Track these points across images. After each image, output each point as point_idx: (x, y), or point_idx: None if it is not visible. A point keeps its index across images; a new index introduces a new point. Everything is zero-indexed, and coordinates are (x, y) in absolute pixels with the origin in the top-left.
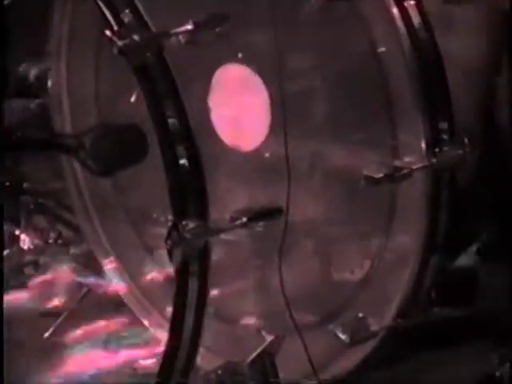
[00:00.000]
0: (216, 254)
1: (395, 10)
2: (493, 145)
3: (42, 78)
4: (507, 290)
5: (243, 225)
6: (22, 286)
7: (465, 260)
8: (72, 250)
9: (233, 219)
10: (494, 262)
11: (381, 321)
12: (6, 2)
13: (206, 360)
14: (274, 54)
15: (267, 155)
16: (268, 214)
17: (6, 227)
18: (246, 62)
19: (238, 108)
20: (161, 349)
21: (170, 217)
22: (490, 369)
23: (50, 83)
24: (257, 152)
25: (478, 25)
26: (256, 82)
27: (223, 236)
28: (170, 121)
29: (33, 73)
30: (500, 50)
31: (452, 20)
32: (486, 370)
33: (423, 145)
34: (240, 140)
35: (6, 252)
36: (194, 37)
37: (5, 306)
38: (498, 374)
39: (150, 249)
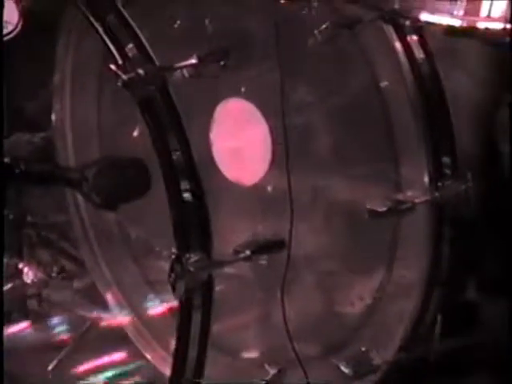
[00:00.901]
0: (219, 287)
1: (398, 45)
2: (495, 179)
3: (45, 112)
4: (508, 323)
5: (246, 258)
6: (25, 319)
7: (467, 293)
8: (75, 284)
9: (236, 252)
10: (495, 296)
11: (384, 354)
12: (9, 37)
13: None
14: (276, 87)
15: (269, 189)
16: (271, 247)
17: (9, 260)
18: (248, 96)
19: (239, 142)
20: (164, 382)
21: (174, 250)
22: None
23: (53, 117)
24: (258, 186)
25: (480, 58)
26: (257, 116)
27: (226, 269)
28: (174, 155)
29: (37, 106)
30: (502, 84)
31: (455, 54)
32: None
33: (426, 179)
34: (241, 174)
35: (9, 285)
36: (198, 70)
37: (8, 338)
38: None
39: (153, 282)
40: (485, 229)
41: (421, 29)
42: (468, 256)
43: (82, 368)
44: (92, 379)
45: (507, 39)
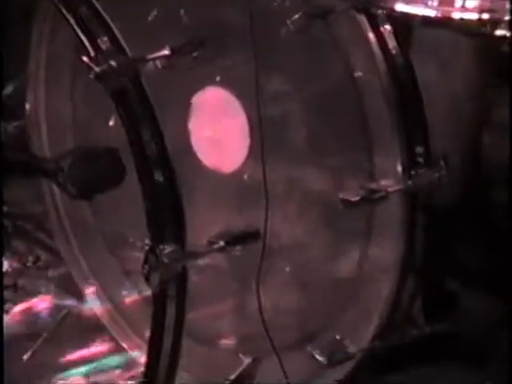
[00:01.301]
0: (194, 278)
1: (371, 35)
2: (471, 168)
3: (18, 100)
4: (484, 310)
5: (221, 249)
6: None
7: (443, 281)
8: (50, 273)
9: (210, 243)
10: (470, 284)
11: (358, 342)
12: None
13: (184, 383)
14: (251, 77)
15: (245, 178)
16: (245, 237)
17: None
18: (225, 85)
19: (217, 130)
20: (139, 371)
21: (147, 241)
22: None
23: (27, 106)
24: (235, 175)
25: (454, 49)
26: (234, 104)
27: (201, 260)
28: (148, 145)
29: (9, 95)
30: (478, 73)
31: (429, 44)
32: None
33: (399, 168)
34: (220, 162)
35: None
36: (171, 62)
37: None
38: None
39: (129, 272)
40: (458, 216)
41: (395, 19)
42: (442, 244)
43: (57, 357)
44: (68, 369)
45: (482, 29)
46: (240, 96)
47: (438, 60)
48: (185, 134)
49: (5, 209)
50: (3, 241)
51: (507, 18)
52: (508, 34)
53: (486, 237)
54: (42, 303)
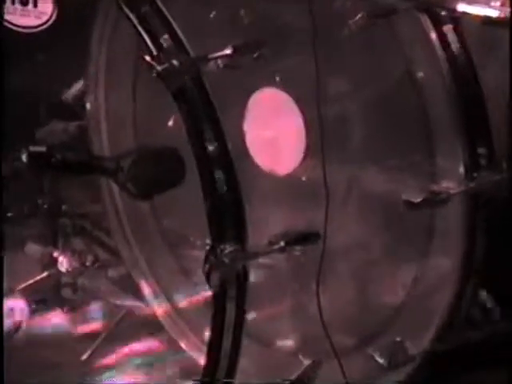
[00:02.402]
0: (254, 278)
1: (433, 35)
2: None
3: (80, 101)
4: None
5: (281, 249)
6: (59, 308)
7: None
8: (110, 273)
9: (270, 243)
10: None
11: (419, 345)
12: (44, 27)
13: (243, 383)
14: (310, 78)
15: (304, 179)
16: (306, 238)
17: (44, 249)
18: (282, 86)
19: (273, 132)
20: (199, 372)
21: (208, 241)
22: None
23: (88, 106)
24: (293, 176)
25: None
26: (291, 106)
27: (261, 260)
28: (209, 145)
29: (71, 95)
30: None
31: (491, 44)
32: None
33: (461, 169)
34: (275, 164)
35: (44, 274)
36: (233, 61)
37: (43, 327)
38: None
39: (188, 272)
40: None
41: (457, 19)
42: (505, 246)
43: (116, 357)
44: (126, 368)
45: None
46: (297, 97)
47: (498, 59)
48: (241, 135)
49: (64, 208)
50: (58, 240)
51: None
52: None
53: None
54: (101, 302)
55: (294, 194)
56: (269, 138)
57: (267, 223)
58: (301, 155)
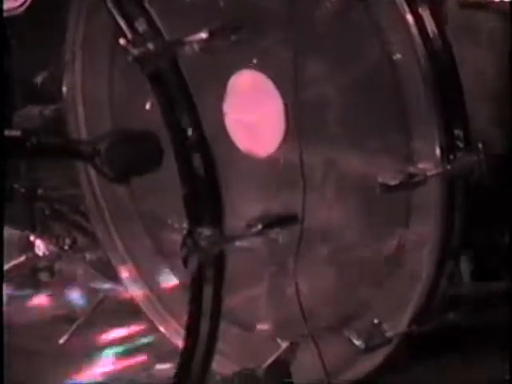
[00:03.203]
0: (231, 261)
1: (409, 17)
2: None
3: (56, 84)
4: None
5: (258, 232)
6: (36, 291)
7: (481, 265)
8: (87, 257)
9: (248, 226)
10: (509, 268)
11: (396, 327)
12: (20, 9)
13: (221, 366)
14: (288, 60)
15: (282, 162)
16: (283, 221)
17: (21, 233)
18: (261, 68)
19: (252, 114)
20: (177, 355)
21: (185, 224)
22: (504, 376)
23: (64, 89)
24: (271, 159)
25: (494, 31)
26: (270, 88)
27: (238, 243)
28: (185, 128)
29: (46, 78)
30: None
31: (469, 27)
32: (500, 376)
33: (438, 151)
34: (255, 146)
35: (21, 258)
36: (209, 45)
37: (20, 311)
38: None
39: (166, 255)
40: (499, 200)
41: (434, 1)
42: (482, 228)
43: (94, 341)
44: (105, 352)
45: None
46: (276, 79)
47: (475, 42)
48: (220, 118)
49: (41, 191)
50: (35, 224)
51: None
52: None
53: None
54: (79, 286)
55: (273, 176)
56: (248, 119)
57: (245, 206)
58: (280, 137)
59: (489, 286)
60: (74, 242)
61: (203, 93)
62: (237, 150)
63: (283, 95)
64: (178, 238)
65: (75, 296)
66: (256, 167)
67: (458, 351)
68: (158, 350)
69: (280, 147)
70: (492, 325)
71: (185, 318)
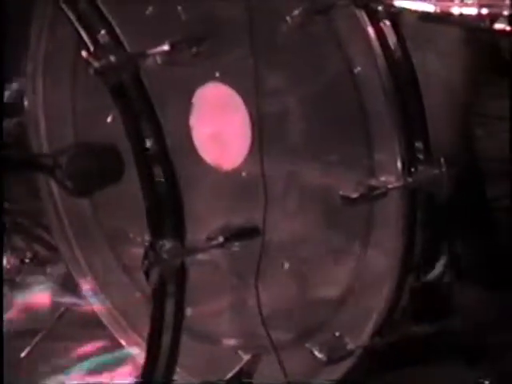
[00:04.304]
0: (193, 274)
1: (371, 30)
2: (470, 164)
3: (18, 98)
4: (482, 307)
5: (220, 245)
6: None
7: (441, 277)
8: (49, 270)
9: (209, 239)
10: (469, 279)
11: (358, 339)
12: None
13: (182, 379)
14: (252, 73)
15: (245, 175)
16: (245, 233)
17: None
18: (225, 81)
19: (219, 127)
20: (138, 368)
21: (147, 237)
22: None
23: (26, 103)
24: (236, 171)
25: (454, 44)
26: (236, 101)
27: (200, 256)
28: (147, 141)
29: (8, 92)
30: (475, 67)
31: (429, 40)
32: None
33: (399, 164)
34: (221, 159)
35: None
36: (171, 57)
37: None
38: None
39: (128, 269)
40: (460, 213)
41: (394, 14)
42: (443, 241)
43: (55, 354)
44: (66, 365)
45: (480, 24)
46: (241, 92)
47: (435, 55)
48: (186, 130)
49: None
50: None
51: (506, 12)
52: (508, 28)
53: (484, 232)
54: (40, 300)
55: (237, 189)
56: (215, 132)
57: (208, 219)
58: (246, 150)
59: (451, 296)
60: (36, 255)
61: (169, 106)
62: (203, 162)
63: (249, 108)
64: (139, 250)
65: (37, 309)
66: (220, 180)
67: (420, 363)
68: (120, 364)
69: (246, 160)
70: (454, 336)
71: (146, 331)
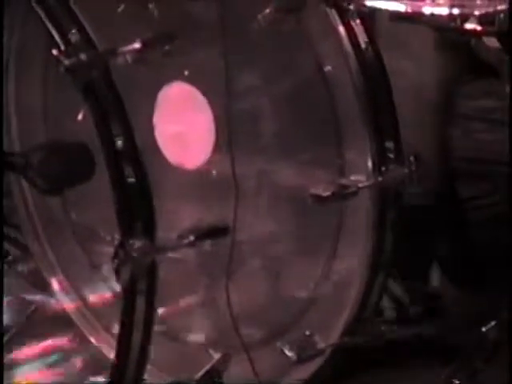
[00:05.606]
0: (163, 273)
1: (341, 29)
2: (441, 163)
3: None
4: (455, 307)
5: (190, 243)
6: None
7: (414, 277)
8: (19, 268)
9: (180, 238)
10: (443, 279)
11: (328, 338)
12: None
13: (153, 377)
14: (220, 72)
15: (213, 173)
16: (215, 232)
17: None
18: (192, 80)
19: (182, 126)
20: (108, 366)
21: (117, 236)
22: None
23: None
24: (203, 170)
25: (425, 44)
26: (200, 100)
27: (170, 254)
28: (117, 139)
29: None
30: (446, 66)
31: (400, 39)
32: None
33: (369, 163)
34: (184, 158)
35: None
36: (141, 55)
37: None
38: None
39: (98, 267)
40: (429, 213)
41: (365, 14)
42: (413, 240)
43: (25, 352)
44: (36, 363)
45: (452, 24)
46: (206, 92)
47: (406, 54)
48: (150, 130)
49: None
50: None
51: (477, 12)
52: (478, 28)
53: (456, 231)
54: (10, 298)
55: (205, 188)
56: (178, 131)
57: (178, 217)
58: (210, 149)
59: (420, 297)
60: (6, 253)
61: (136, 104)
62: (167, 162)
63: (213, 107)
64: (110, 249)
65: (7, 307)
66: (188, 178)
67: (390, 363)
68: (90, 363)
69: (210, 159)
70: (424, 337)
71: (116, 329)
